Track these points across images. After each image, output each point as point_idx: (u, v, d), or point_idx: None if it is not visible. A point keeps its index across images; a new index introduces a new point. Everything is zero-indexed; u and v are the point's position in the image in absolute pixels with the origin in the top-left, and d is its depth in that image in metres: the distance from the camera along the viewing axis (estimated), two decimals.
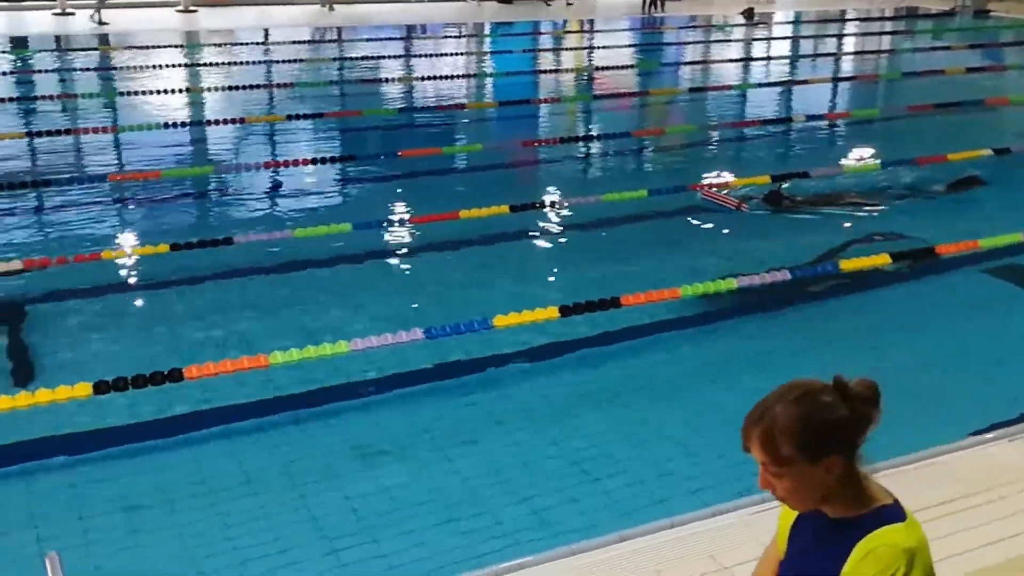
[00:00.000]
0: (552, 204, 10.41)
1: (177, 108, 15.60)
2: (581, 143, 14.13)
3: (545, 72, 20.50)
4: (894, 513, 2.33)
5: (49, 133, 13.20)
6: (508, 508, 5.17)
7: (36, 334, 7.28)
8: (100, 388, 5.83)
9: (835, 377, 2.33)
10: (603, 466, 5.56)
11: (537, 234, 9.67)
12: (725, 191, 10.67)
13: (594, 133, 15.16)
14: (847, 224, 9.93)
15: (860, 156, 12.75)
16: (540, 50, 24.52)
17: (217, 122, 14.18)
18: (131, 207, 10.69)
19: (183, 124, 14.11)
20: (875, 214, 10.24)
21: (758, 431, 2.31)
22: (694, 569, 4.17)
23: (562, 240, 9.62)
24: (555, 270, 8.92)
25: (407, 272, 8.80)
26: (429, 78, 18.85)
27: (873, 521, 2.31)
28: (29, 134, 13.29)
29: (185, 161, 12.82)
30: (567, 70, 21.02)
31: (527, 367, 6.86)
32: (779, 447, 2.27)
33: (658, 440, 5.90)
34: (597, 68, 21.24)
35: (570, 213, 10.20)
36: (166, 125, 13.61)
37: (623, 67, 20.75)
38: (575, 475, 5.47)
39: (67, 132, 13.51)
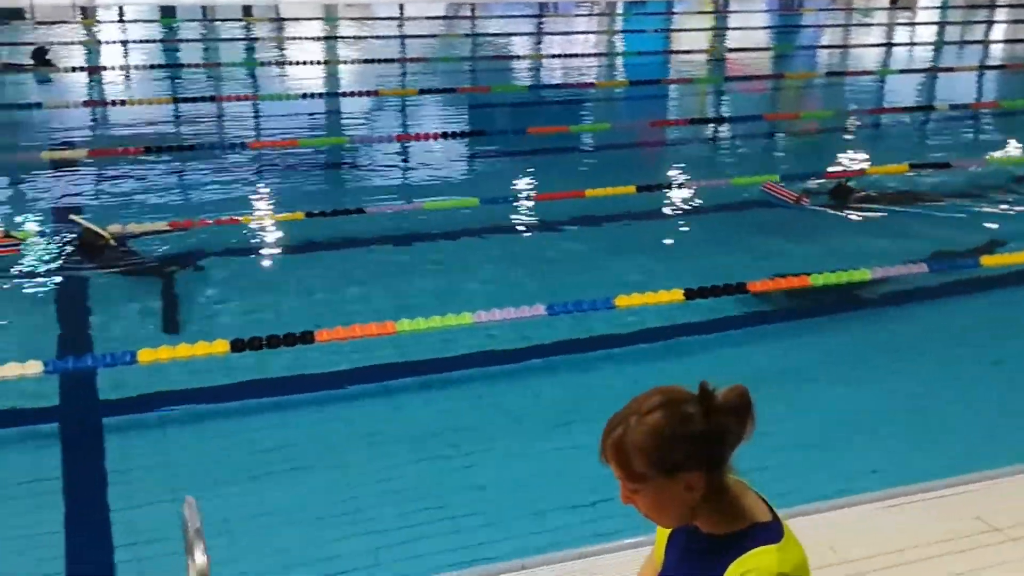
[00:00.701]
0: (679, 185, 10.31)
1: (314, 79, 16.00)
2: (711, 125, 13.94)
3: (677, 52, 20.25)
4: (770, 533, 2.11)
5: (194, 100, 13.73)
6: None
7: (177, 292, 7.61)
8: (237, 346, 6.08)
9: (700, 384, 2.10)
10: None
11: (663, 216, 9.59)
12: (783, 183, 10.12)
13: (725, 115, 14.93)
14: (926, 224, 9.31)
15: (995, 149, 12.21)
16: (673, 30, 24.20)
17: (352, 94, 14.50)
18: (269, 174, 11.02)
19: (319, 95, 14.48)
20: (958, 214, 9.63)
21: (611, 443, 2.11)
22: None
23: (688, 222, 9.52)
24: (680, 252, 8.83)
25: (531, 248, 8.86)
26: (559, 55, 18.85)
27: (746, 541, 2.10)
28: (175, 100, 13.83)
29: (320, 131, 13.16)
30: (700, 51, 20.70)
31: (649, 348, 6.85)
32: (632, 462, 2.08)
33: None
34: (731, 49, 20.87)
35: (697, 195, 10.09)
36: (303, 96, 14.00)
37: (758, 49, 20.33)
38: None
39: (211, 99, 14.01)
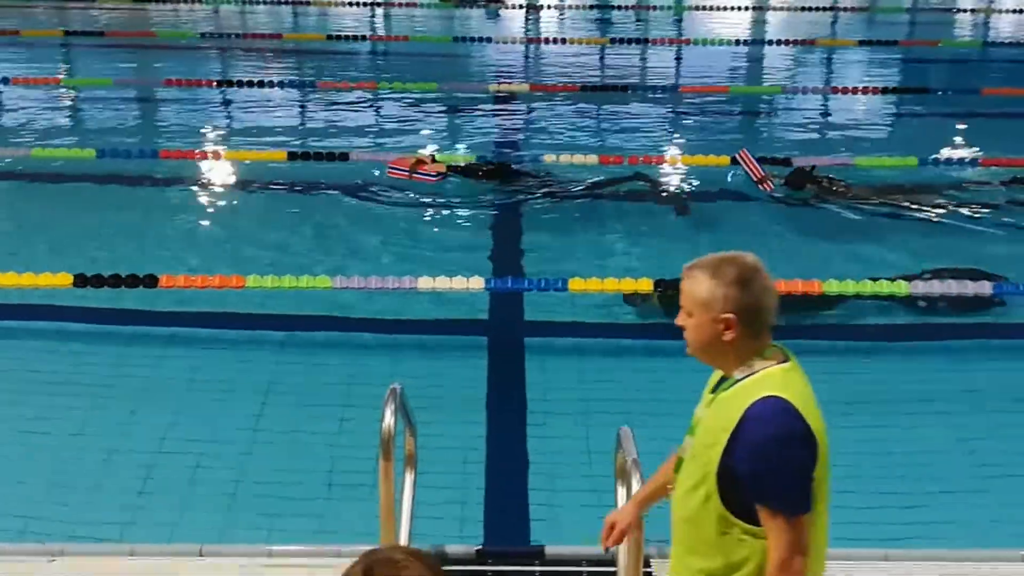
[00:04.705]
0: None
1: (746, 25, 15.67)
2: None
3: None
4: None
5: (627, 41, 13.96)
6: None
7: (598, 225, 7.81)
8: (660, 284, 6.13)
9: None
10: None
11: None
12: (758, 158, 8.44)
13: None
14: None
15: None
16: None
17: (785, 42, 14.00)
18: (698, 118, 10.94)
19: (751, 42, 14.18)
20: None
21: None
22: None
23: None
24: None
25: (977, 217, 8.04)
26: (1019, 10, 16.96)
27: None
28: (611, 41, 14.09)
29: (752, 79, 12.88)
30: None
31: None
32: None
33: None
34: None
35: None
36: (735, 42, 13.77)
37: None
38: None
39: (643, 41, 14.16)
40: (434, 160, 8.62)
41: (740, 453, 2.29)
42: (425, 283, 6.11)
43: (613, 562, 3.54)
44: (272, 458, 4.91)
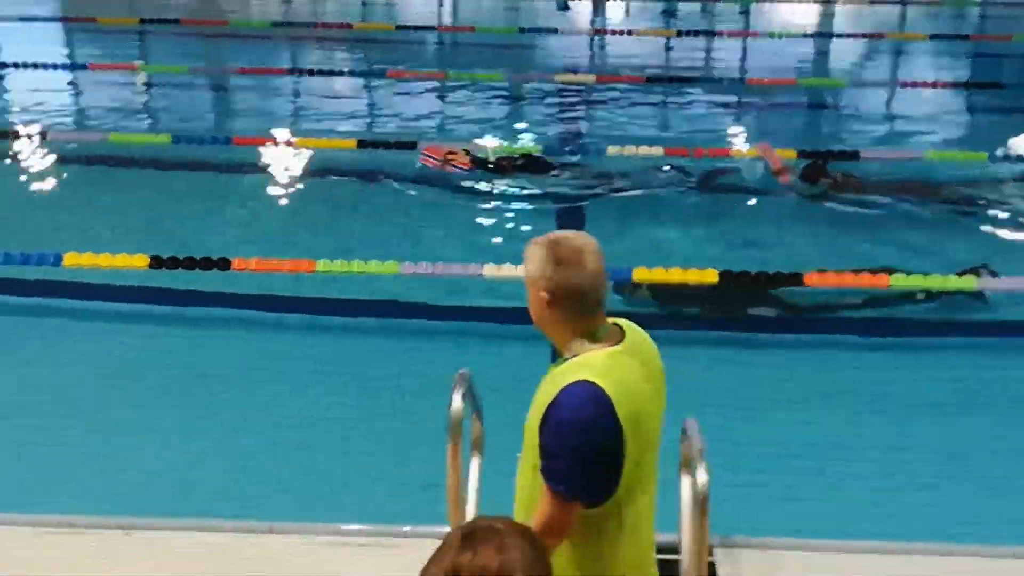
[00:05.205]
0: None
1: (813, 18, 15.47)
2: None
3: None
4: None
5: (695, 33, 13.86)
6: None
7: (659, 217, 7.83)
8: (725, 276, 6.16)
9: None
10: None
11: None
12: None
13: None
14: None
15: None
16: None
17: (854, 35, 13.80)
18: (765, 110, 10.85)
19: (819, 35, 14.02)
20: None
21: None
22: None
23: None
24: None
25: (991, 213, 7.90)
26: None
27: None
28: (678, 33, 13.96)
29: (819, 71, 12.75)
30: None
31: None
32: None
33: None
34: None
35: None
36: (803, 35, 13.61)
37: None
38: None
39: (711, 34, 14.03)
40: (466, 153, 8.59)
41: (545, 432, 2.36)
42: (490, 270, 6.20)
43: (677, 550, 3.58)
44: (340, 439, 5.03)
